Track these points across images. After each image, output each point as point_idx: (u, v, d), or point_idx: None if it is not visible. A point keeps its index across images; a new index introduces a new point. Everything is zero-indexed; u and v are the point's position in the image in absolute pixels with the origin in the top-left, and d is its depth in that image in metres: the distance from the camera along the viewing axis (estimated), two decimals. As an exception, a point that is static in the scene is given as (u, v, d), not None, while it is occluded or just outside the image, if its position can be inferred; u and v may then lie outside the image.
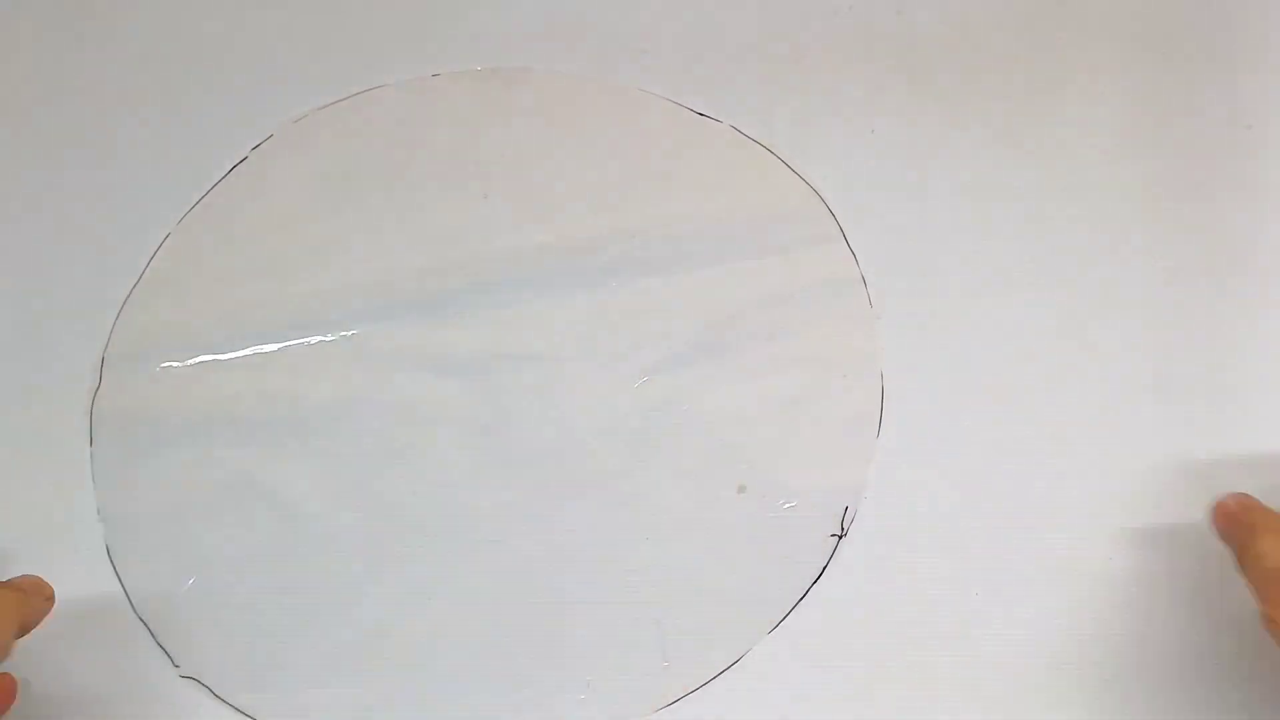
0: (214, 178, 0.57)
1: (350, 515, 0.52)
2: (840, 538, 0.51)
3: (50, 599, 0.48)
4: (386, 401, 0.53)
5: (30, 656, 0.49)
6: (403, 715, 0.49)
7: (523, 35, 0.60)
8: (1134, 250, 0.55)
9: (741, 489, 0.51)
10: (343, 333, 0.54)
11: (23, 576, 0.48)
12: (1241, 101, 0.57)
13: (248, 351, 0.54)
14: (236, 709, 0.49)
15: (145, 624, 0.51)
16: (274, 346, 0.54)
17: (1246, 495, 0.47)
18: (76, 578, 0.48)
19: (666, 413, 0.53)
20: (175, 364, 0.54)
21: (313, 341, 0.54)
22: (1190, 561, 0.50)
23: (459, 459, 0.53)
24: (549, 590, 0.51)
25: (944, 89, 0.58)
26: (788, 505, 0.51)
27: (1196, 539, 0.50)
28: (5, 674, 0.48)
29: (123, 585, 0.51)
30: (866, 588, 0.50)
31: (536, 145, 0.57)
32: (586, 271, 0.55)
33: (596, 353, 0.54)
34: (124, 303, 0.55)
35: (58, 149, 0.59)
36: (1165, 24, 0.59)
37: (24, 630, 0.47)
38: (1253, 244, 0.55)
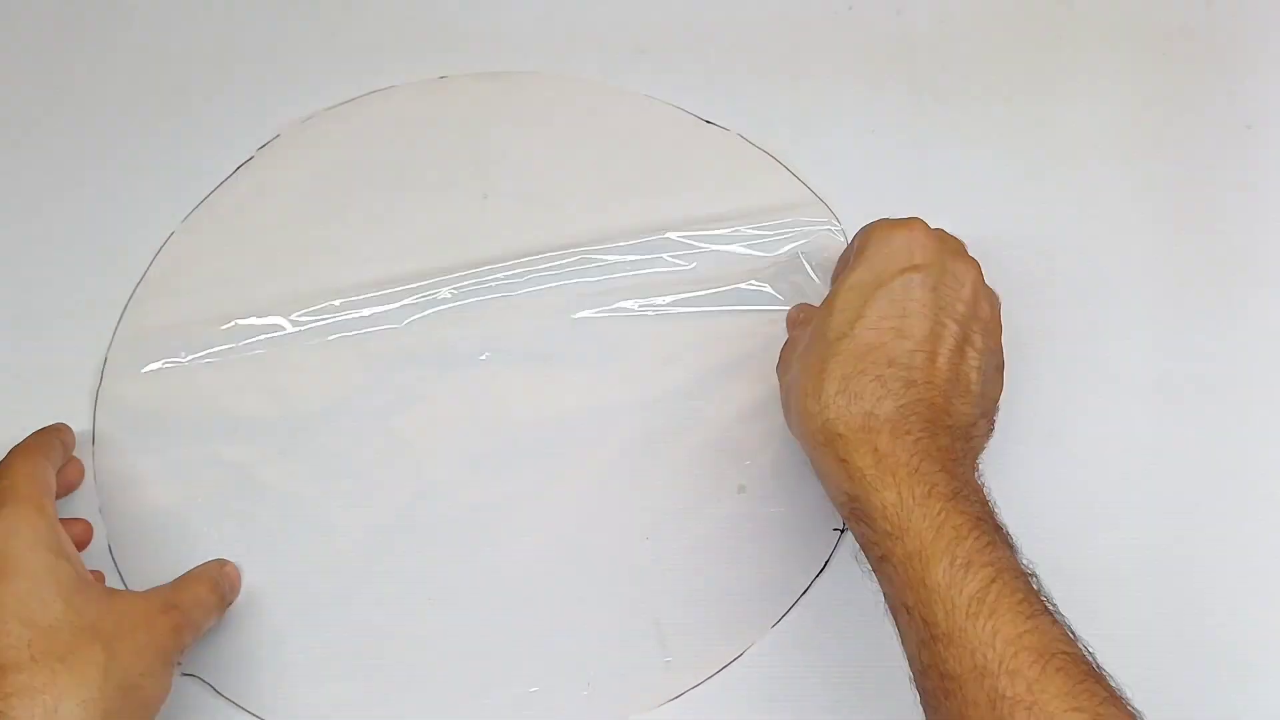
0: (219, 177, 0.57)
1: (350, 514, 0.52)
2: (842, 532, 0.51)
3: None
4: (388, 400, 0.53)
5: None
6: (403, 712, 0.49)
7: (533, 39, 0.60)
8: (1134, 250, 0.55)
9: (741, 489, 0.52)
10: (344, 332, 0.54)
11: (220, 566, 0.50)
12: (1241, 101, 0.58)
13: (250, 350, 0.54)
14: (238, 705, 0.49)
15: (147, 622, 0.51)
16: (276, 345, 0.54)
17: (807, 304, 0.52)
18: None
19: (667, 413, 0.53)
20: (177, 362, 0.54)
21: (314, 340, 0.54)
22: (1192, 562, 0.50)
23: (459, 458, 0.53)
24: (549, 588, 0.51)
25: (944, 89, 0.58)
26: (788, 502, 0.51)
27: (1200, 543, 0.50)
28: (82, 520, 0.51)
29: (124, 583, 0.51)
30: (869, 583, 0.50)
31: (541, 147, 0.57)
32: (589, 272, 0.55)
33: (597, 353, 0.54)
34: (128, 301, 0.55)
35: (64, 147, 0.59)
36: (1165, 24, 0.59)
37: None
38: (1253, 244, 0.55)
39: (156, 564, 0.51)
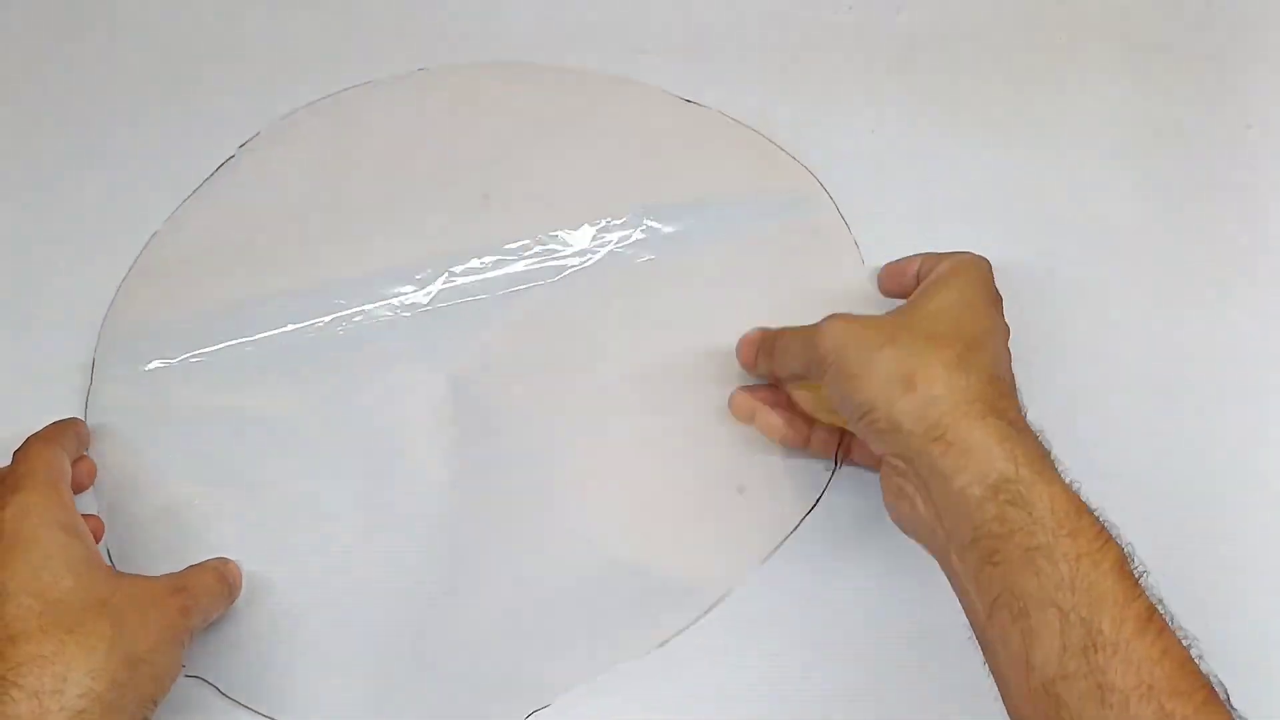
0: (202, 175, 0.57)
1: (352, 510, 0.52)
2: (835, 469, 0.51)
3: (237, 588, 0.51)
4: (380, 397, 0.53)
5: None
6: (408, 706, 0.49)
7: (527, 35, 0.60)
8: (1133, 248, 0.56)
9: (741, 489, 0.52)
10: (335, 329, 0.54)
11: (224, 562, 0.50)
12: (1241, 101, 0.58)
13: (237, 348, 0.54)
14: (244, 705, 0.49)
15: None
16: (264, 341, 0.54)
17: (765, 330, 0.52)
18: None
19: (666, 407, 0.53)
20: (165, 361, 0.54)
21: (304, 337, 0.54)
22: (1194, 564, 0.50)
23: (458, 454, 0.52)
24: (549, 570, 0.51)
25: (944, 90, 0.59)
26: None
27: (1201, 545, 0.51)
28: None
29: None
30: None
31: (525, 137, 0.57)
32: (583, 266, 0.55)
33: (597, 345, 0.54)
34: (111, 301, 0.55)
35: (45, 147, 0.59)
36: (1165, 24, 0.60)
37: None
38: (1253, 243, 0.56)
39: (155, 566, 0.50)
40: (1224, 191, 0.57)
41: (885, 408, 0.43)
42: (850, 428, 0.46)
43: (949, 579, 0.43)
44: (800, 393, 0.50)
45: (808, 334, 0.48)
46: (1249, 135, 0.57)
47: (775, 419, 0.51)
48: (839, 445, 0.51)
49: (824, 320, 0.47)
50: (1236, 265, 0.56)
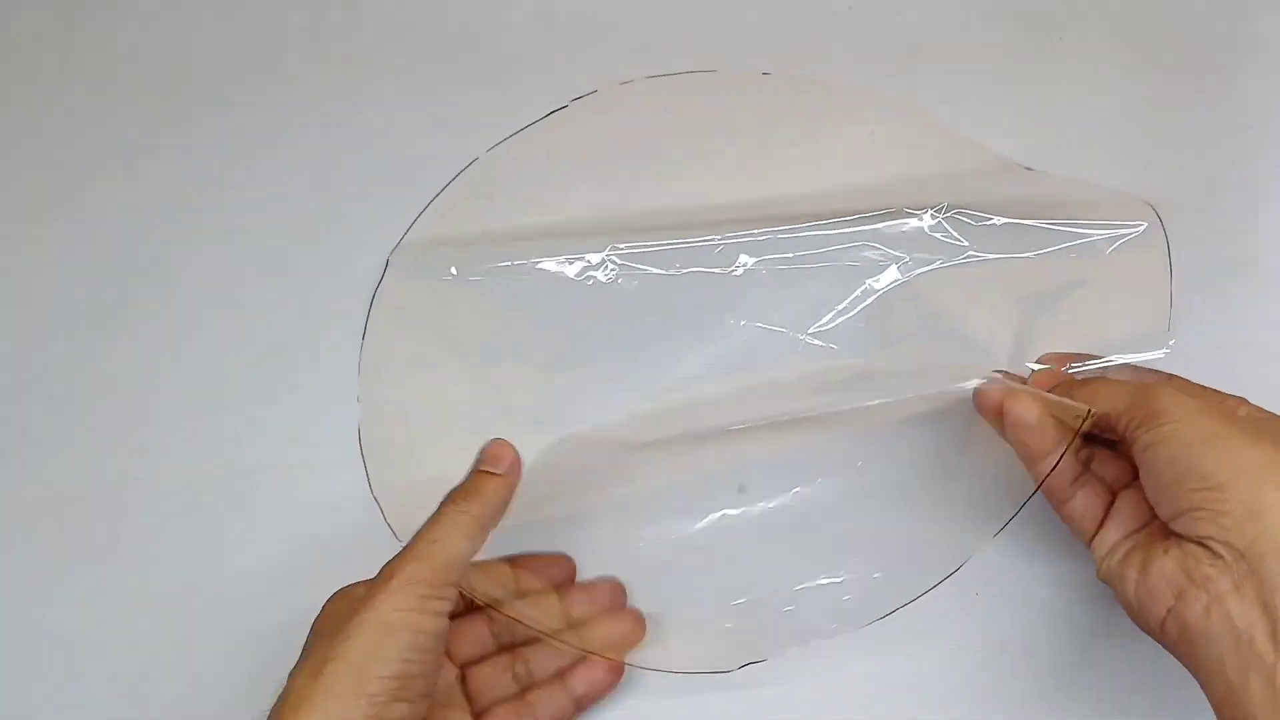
0: (532, 118, 0.59)
1: (607, 440, 0.54)
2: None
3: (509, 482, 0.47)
4: (656, 346, 0.56)
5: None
6: (680, 623, 0.53)
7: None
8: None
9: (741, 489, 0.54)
10: (612, 273, 0.56)
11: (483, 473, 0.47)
12: (1241, 101, 0.57)
13: (520, 276, 0.56)
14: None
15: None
16: (546, 276, 0.56)
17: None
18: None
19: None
20: (453, 276, 0.56)
21: (581, 278, 0.56)
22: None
23: (717, 410, 0.54)
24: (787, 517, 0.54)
25: (944, 89, 0.59)
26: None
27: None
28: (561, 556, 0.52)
29: (367, 474, 0.55)
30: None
31: (843, 152, 0.58)
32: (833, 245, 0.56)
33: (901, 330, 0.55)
34: (420, 214, 0.58)
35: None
36: (1165, 24, 0.59)
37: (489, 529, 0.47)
38: (1253, 244, 0.56)
39: (421, 470, 0.54)
40: (1224, 191, 0.56)
41: (1244, 493, 0.38)
42: (1157, 493, 0.41)
43: (1224, 695, 0.38)
44: None
45: (1140, 385, 0.44)
46: (1249, 135, 0.56)
47: (1033, 404, 0.45)
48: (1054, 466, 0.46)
49: (1160, 383, 0.45)
50: (1236, 265, 0.55)
